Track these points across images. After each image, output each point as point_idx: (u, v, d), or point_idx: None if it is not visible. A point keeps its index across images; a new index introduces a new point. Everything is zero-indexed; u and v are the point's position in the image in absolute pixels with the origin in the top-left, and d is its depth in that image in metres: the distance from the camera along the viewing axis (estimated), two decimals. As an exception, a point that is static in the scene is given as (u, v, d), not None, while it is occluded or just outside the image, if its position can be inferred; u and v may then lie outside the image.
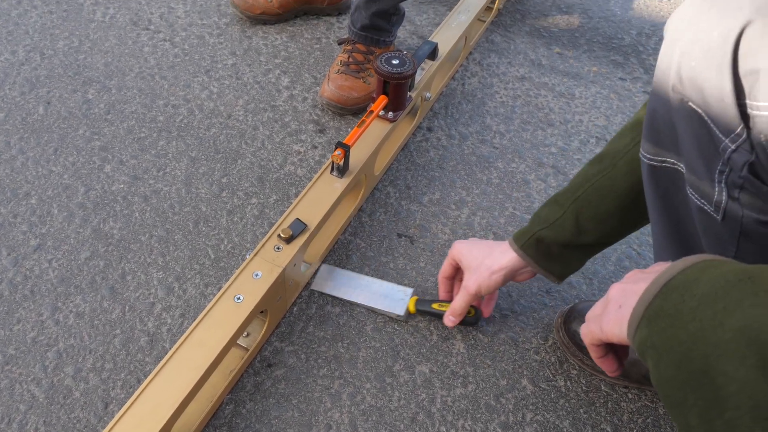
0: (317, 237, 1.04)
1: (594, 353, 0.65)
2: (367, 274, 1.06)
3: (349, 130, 1.06)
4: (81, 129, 1.27)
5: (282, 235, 0.91)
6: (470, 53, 1.58)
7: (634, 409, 0.93)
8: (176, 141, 1.27)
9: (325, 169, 1.04)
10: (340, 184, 1.02)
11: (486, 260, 0.91)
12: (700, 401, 0.44)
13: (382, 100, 1.10)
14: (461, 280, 0.98)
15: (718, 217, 0.60)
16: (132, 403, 0.74)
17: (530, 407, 0.92)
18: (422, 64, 1.28)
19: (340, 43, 1.41)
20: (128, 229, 1.09)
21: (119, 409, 0.79)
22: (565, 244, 0.86)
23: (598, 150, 1.34)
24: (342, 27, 1.64)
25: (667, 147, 0.64)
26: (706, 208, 0.61)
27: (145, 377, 0.85)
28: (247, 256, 0.91)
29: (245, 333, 0.93)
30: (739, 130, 0.52)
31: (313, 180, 1.02)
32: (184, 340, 0.80)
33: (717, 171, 0.57)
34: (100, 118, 1.30)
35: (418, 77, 1.24)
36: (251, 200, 1.16)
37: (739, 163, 0.54)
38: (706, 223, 0.63)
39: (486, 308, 1.00)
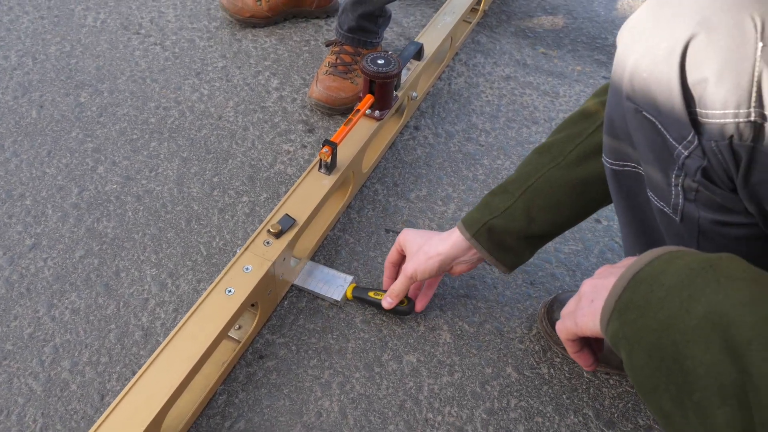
0: (307, 233, 1.07)
1: (570, 348, 0.68)
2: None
3: (338, 129, 1.10)
4: (74, 131, 1.30)
5: (271, 230, 0.94)
6: (456, 54, 1.62)
7: (615, 395, 0.96)
8: (168, 142, 1.29)
9: (313, 167, 1.07)
10: (327, 181, 1.05)
11: (424, 246, 0.94)
12: (672, 386, 0.47)
13: (369, 99, 1.13)
14: None
15: (676, 218, 0.63)
16: (126, 393, 0.77)
17: (515, 394, 0.95)
18: (408, 65, 1.31)
19: (327, 45, 1.44)
20: (122, 227, 1.12)
21: (115, 399, 0.81)
22: (516, 234, 0.87)
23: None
24: (330, 29, 1.67)
25: (627, 153, 0.67)
26: (665, 210, 0.64)
27: (140, 369, 0.88)
28: (238, 251, 0.94)
29: (237, 326, 0.95)
30: (690, 137, 0.55)
31: (302, 177, 1.05)
32: (177, 331, 0.82)
33: (673, 176, 0.60)
34: (93, 121, 1.32)
35: (404, 77, 1.27)
36: (242, 198, 1.19)
37: (693, 168, 0.57)
38: (666, 223, 0.66)
39: (420, 303, 1.01)
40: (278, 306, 1.02)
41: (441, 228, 1.17)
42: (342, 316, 1.02)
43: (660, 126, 0.58)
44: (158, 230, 1.12)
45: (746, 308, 0.43)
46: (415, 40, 1.35)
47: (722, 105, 0.51)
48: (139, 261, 1.07)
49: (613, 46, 1.72)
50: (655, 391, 0.48)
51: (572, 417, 0.93)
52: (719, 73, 0.51)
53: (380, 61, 1.12)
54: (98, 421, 0.74)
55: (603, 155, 0.71)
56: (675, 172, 0.59)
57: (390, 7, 1.45)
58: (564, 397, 0.95)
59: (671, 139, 0.57)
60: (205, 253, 1.09)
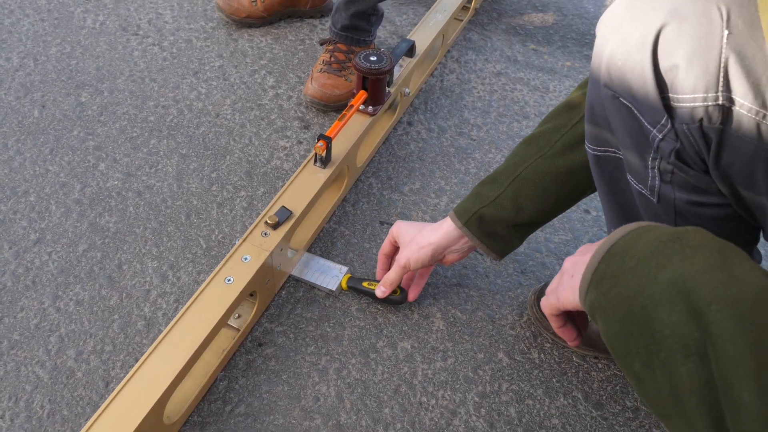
0: (303, 225, 1.10)
1: (554, 323, 0.72)
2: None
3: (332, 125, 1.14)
4: (75, 130, 1.33)
5: (269, 222, 0.97)
6: (448, 51, 1.65)
7: (604, 378, 0.99)
8: (167, 139, 1.32)
9: (309, 161, 1.10)
10: (323, 174, 1.08)
11: (417, 237, 0.97)
12: (642, 348, 0.50)
13: (362, 95, 1.17)
14: None
15: (654, 199, 0.67)
16: (130, 378, 0.80)
17: (506, 378, 0.98)
18: (400, 61, 1.34)
19: (322, 44, 1.48)
20: (123, 222, 1.15)
21: (119, 385, 0.84)
22: (506, 222, 0.90)
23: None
24: (324, 29, 1.71)
25: (607, 138, 0.70)
26: (643, 192, 0.68)
27: (143, 357, 0.91)
28: (237, 243, 0.97)
29: (237, 315, 0.98)
30: (664, 120, 0.59)
31: (298, 171, 1.08)
32: (179, 319, 0.85)
33: (650, 159, 0.63)
34: (94, 120, 1.36)
35: (396, 73, 1.30)
36: (240, 193, 1.22)
37: (667, 151, 0.61)
38: (645, 205, 0.70)
39: (412, 292, 1.05)
40: (276, 296, 1.05)
41: (434, 219, 1.21)
42: (338, 305, 1.05)
43: (636, 111, 0.61)
44: (159, 224, 1.15)
45: (707, 274, 0.46)
46: (407, 37, 1.39)
47: (692, 90, 0.55)
48: (141, 254, 1.10)
49: (603, 42, 1.76)
50: (628, 355, 0.51)
51: (562, 399, 0.96)
52: (689, 59, 0.54)
53: (373, 58, 1.15)
54: (103, 405, 0.77)
55: (585, 142, 0.74)
56: (651, 155, 0.63)
57: (383, 5, 1.49)
58: (554, 380, 0.99)
59: (646, 124, 0.61)
60: (204, 246, 1.12)
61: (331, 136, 1.06)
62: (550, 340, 1.04)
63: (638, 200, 0.70)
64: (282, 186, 1.23)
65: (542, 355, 1.02)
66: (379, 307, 1.05)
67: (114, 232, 1.13)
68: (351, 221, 1.19)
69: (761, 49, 0.50)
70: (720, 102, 0.54)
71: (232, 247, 0.96)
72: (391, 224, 1.19)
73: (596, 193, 0.86)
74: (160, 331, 0.98)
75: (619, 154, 0.70)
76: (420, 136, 1.39)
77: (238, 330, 0.97)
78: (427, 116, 1.44)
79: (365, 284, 1.04)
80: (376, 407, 0.93)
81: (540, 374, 0.99)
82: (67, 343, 0.96)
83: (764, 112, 0.52)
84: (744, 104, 0.53)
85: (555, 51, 1.71)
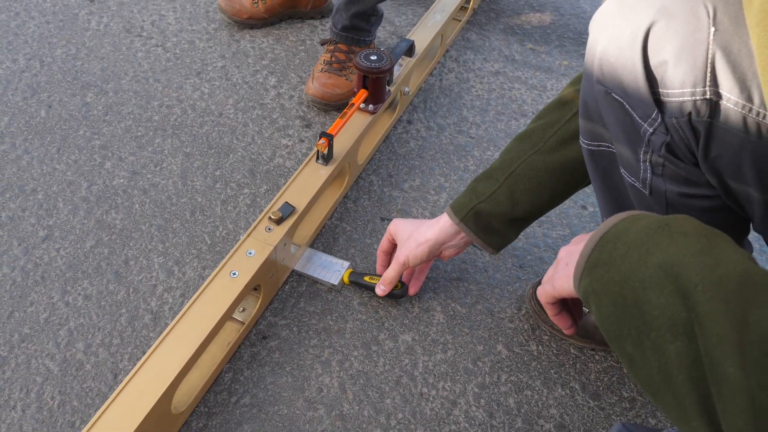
0: (306, 221, 1.12)
1: (550, 311, 0.74)
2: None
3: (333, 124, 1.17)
4: (81, 130, 1.35)
5: (272, 217, 1.00)
6: (447, 50, 1.68)
7: (601, 369, 1.02)
8: (171, 138, 1.35)
9: (311, 158, 1.13)
10: (325, 171, 1.10)
11: (414, 233, 0.99)
12: (633, 330, 0.52)
13: (363, 93, 1.19)
14: None
15: (646, 192, 0.69)
16: (138, 370, 0.82)
17: (505, 369, 1.00)
18: (400, 61, 1.37)
19: (322, 44, 1.50)
20: (129, 219, 1.17)
21: (128, 376, 0.86)
22: (501, 217, 0.92)
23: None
24: (325, 29, 1.73)
25: (600, 133, 0.72)
26: (636, 185, 0.70)
27: (151, 349, 0.93)
28: (241, 238, 0.99)
29: (241, 308, 1.01)
30: (654, 114, 0.61)
31: (300, 168, 1.11)
32: (186, 311, 0.88)
33: (641, 152, 0.66)
34: (99, 120, 1.38)
35: (396, 73, 1.33)
36: (243, 191, 1.25)
37: (658, 144, 0.63)
38: (638, 197, 0.72)
39: (413, 286, 1.07)
40: (280, 290, 1.07)
41: (434, 216, 1.23)
42: (340, 299, 1.07)
43: (627, 106, 0.63)
44: (164, 221, 1.17)
45: (694, 258, 0.48)
46: (407, 37, 1.41)
47: (680, 84, 0.57)
48: (147, 250, 1.12)
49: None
50: (620, 337, 0.54)
51: (560, 390, 0.98)
52: (677, 55, 0.56)
53: (373, 57, 1.18)
54: (112, 396, 0.79)
55: (580, 137, 0.77)
56: (643, 148, 0.65)
57: (382, 6, 1.51)
58: (552, 371, 1.01)
59: (638, 118, 0.63)
60: (209, 242, 1.14)
61: (333, 133, 1.09)
62: (548, 333, 1.06)
63: (631, 193, 0.73)
64: (284, 183, 1.26)
65: (540, 347, 1.04)
66: (380, 300, 1.07)
67: (120, 229, 1.15)
68: (352, 217, 1.22)
69: (746, 45, 0.53)
70: (708, 96, 0.56)
71: (236, 243, 0.98)
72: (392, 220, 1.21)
73: (593, 190, 0.88)
74: (167, 325, 1.00)
75: (612, 148, 0.72)
76: (420, 134, 1.42)
77: (243, 323, 0.99)
78: (426, 115, 1.47)
79: (366, 279, 1.06)
80: (378, 398, 0.95)
81: (538, 365, 1.01)
82: (76, 336, 0.99)
83: (750, 105, 0.54)
84: (730, 98, 0.55)
85: (552, 50, 1.73)
